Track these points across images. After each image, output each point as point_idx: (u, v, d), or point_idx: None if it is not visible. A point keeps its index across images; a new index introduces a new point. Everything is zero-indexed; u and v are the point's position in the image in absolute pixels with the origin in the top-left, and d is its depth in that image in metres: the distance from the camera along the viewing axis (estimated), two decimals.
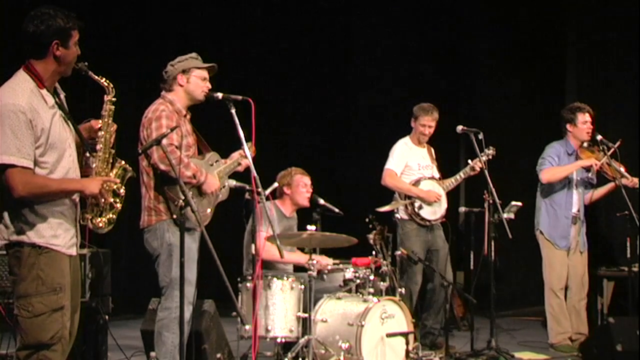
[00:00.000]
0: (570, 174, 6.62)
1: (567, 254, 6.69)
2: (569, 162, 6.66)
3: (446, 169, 6.97)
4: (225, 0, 9.33)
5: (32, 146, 3.43)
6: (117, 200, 3.73)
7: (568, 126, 6.69)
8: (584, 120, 6.62)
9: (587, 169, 6.63)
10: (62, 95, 3.72)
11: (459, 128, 6.44)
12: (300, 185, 5.99)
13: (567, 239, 6.67)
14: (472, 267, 7.12)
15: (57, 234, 3.54)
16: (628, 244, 6.40)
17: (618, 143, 6.49)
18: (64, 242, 3.57)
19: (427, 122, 6.63)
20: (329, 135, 10.10)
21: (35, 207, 3.50)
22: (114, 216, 3.73)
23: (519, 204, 6.57)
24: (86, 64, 3.67)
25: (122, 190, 3.75)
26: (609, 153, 6.48)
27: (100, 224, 3.68)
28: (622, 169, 6.56)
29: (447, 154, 7.77)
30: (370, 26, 10.06)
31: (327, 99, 10.05)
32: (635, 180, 6.52)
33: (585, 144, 6.67)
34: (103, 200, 3.65)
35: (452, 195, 6.99)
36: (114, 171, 3.74)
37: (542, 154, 6.75)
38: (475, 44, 9.77)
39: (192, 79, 4.88)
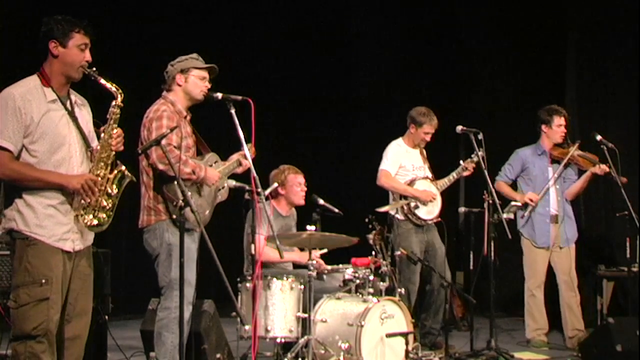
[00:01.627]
0: (513, 198, 6.83)
1: (547, 252, 6.79)
2: (540, 163, 6.85)
3: (445, 169, 6.96)
4: (225, 1, 9.34)
5: (17, 132, 3.61)
6: (110, 201, 3.76)
7: (543, 127, 6.89)
8: (559, 124, 6.82)
9: (559, 161, 6.77)
10: (75, 100, 3.84)
11: (459, 128, 6.46)
12: (295, 185, 5.98)
13: (546, 237, 6.77)
14: (471, 267, 7.12)
15: (43, 225, 3.65)
16: (628, 244, 6.42)
17: (577, 144, 6.71)
18: (51, 233, 3.66)
19: (430, 130, 6.66)
20: (329, 135, 10.09)
21: (26, 196, 3.65)
22: (107, 217, 3.77)
23: (519, 204, 6.58)
24: (95, 69, 3.80)
25: (114, 192, 3.78)
26: (576, 146, 6.67)
27: (87, 222, 3.72)
28: (595, 159, 6.68)
29: (447, 155, 7.76)
30: (369, 27, 10.06)
31: (326, 99, 10.05)
32: (604, 166, 6.57)
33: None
34: (88, 198, 3.70)
35: (452, 196, 7.00)
36: (112, 174, 3.80)
37: (509, 159, 6.96)
38: (474, 44, 9.76)
39: (190, 79, 4.88)
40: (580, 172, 6.86)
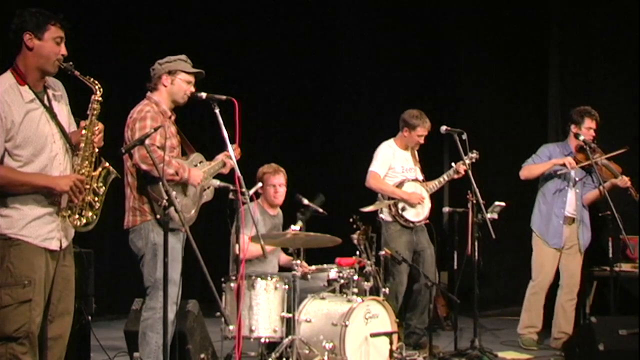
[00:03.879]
0: (546, 171, 6.71)
1: (558, 253, 6.75)
2: None
3: (430, 169, 6.99)
4: (210, 0, 9.33)
5: None
6: (97, 199, 3.73)
7: (573, 126, 6.75)
8: (589, 126, 6.68)
9: (587, 170, 6.67)
10: (53, 94, 3.76)
11: (443, 129, 6.46)
12: (269, 185, 5.99)
13: (558, 237, 6.73)
14: (455, 267, 7.14)
15: (28, 226, 3.59)
16: (610, 244, 6.44)
17: (622, 150, 6.54)
18: (37, 234, 3.61)
19: (424, 132, 6.66)
20: (313, 135, 10.10)
21: (9, 199, 3.58)
22: (94, 215, 3.74)
23: (503, 204, 6.59)
24: (71, 63, 3.71)
25: (101, 190, 3.75)
26: (605, 156, 6.51)
27: (76, 222, 3.69)
28: (618, 171, 6.62)
29: (431, 155, 7.78)
30: (353, 28, 10.07)
31: (311, 100, 10.05)
32: (626, 179, 6.56)
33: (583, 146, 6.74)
34: (76, 198, 3.67)
35: (436, 196, 7.00)
36: (97, 171, 3.76)
37: (537, 151, 6.87)
38: (458, 45, 9.80)
39: (176, 81, 4.86)
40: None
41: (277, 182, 6.01)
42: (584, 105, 6.88)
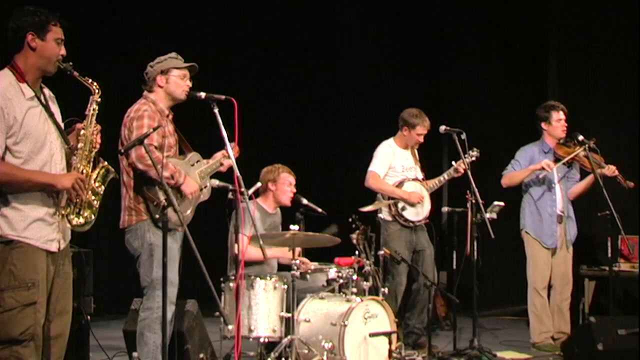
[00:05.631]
0: (527, 177, 6.69)
1: (552, 253, 6.71)
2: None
3: (429, 169, 6.99)
4: (210, 0, 9.33)
5: (0, 133, 3.50)
6: (95, 198, 3.73)
7: (543, 125, 6.77)
8: (558, 119, 6.71)
9: (568, 164, 6.67)
10: (49, 94, 3.77)
11: (442, 128, 6.46)
12: (286, 184, 5.99)
13: (554, 237, 6.70)
14: (454, 267, 7.13)
15: (30, 228, 3.57)
16: (609, 243, 6.43)
17: (592, 141, 6.52)
18: (39, 235, 3.60)
19: (423, 131, 6.66)
20: (313, 135, 10.10)
21: (10, 200, 3.55)
22: (92, 215, 3.74)
23: (502, 204, 6.59)
24: (71, 64, 3.72)
25: (100, 189, 3.75)
26: (584, 146, 6.48)
27: (75, 221, 3.69)
28: (601, 161, 6.60)
29: (430, 155, 7.78)
30: (353, 28, 10.08)
31: (311, 99, 10.06)
32: (613, 167, 6.53)
33: (561, 141, 6.73)
34: (77, 197, 3.66)
35: (435, 195, 7.00)
36: (96, 171, 3.77)
37: (515, 155, 6.84)
38: (458, 45, 9.80)
39: (171, 79, 4.86)
40: (583, 172, 6.76)
41: (293, 181, 6.03)
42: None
